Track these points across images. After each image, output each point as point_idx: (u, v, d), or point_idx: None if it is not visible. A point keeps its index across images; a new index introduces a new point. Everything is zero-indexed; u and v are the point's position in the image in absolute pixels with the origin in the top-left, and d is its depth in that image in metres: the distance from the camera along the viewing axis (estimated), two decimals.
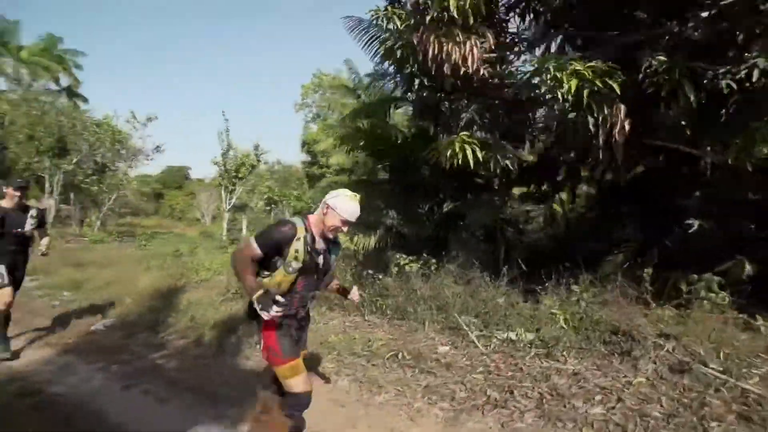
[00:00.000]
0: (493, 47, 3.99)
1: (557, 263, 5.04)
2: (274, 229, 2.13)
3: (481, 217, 5.75)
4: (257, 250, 2.04)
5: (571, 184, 7.68)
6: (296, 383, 2.12)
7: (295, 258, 2.04)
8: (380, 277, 5.25)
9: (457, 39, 3.53)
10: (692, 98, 3.26)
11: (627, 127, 3.58)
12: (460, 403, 3.09)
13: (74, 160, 13.20)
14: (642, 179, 6.68)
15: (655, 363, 3.45)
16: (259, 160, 16.90)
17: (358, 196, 2.17)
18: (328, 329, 4.79)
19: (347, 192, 2.16)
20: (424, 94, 5.70)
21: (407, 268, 5.22)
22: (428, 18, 3.66)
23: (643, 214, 5.94)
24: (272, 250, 2.07)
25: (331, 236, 2.20)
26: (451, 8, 3.36)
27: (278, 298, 1.95)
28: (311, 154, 21.46)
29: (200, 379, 3.69)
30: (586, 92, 3.23)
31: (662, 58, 3.26)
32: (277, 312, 1.91)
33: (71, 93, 23.73)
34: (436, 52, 3.56)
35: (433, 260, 5.32)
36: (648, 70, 3.35)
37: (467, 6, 3.39)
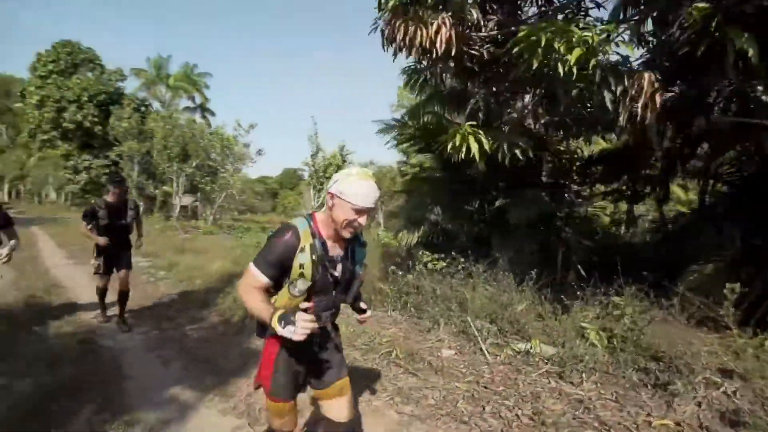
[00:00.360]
0: (497, 25, 3.49)
1: (633, 270, 4.22)
2: (272, 241, 1.59)
3: (522, 213, 5.12)
4: (261, 278, 1.57)
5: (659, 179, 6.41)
6: (276, 423, 1.79)
7: (301, 275, 1.54)
8: (402, 273, 5.06)
9: (423, 20, 3.18)
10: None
11: (658, 100, 2.80)
12: (423, 408, 2.80)
13: (194, 164, 15.89)
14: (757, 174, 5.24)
15: (699, 405, 2.64)
16: (344, 161, 17.80)
17: (370, 171, 1.62)
18: (345, 319, 4.79)
19: (354, 170, 1.59)
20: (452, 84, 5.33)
21: (430, 266, 4.93)
22: (391, 3, 3.37)
23: (747, 217, 4.63)
24: (278, 271, 1.58)
25: (348, 235, 1.60)
26: None
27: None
28: (405, 154, 21.95)
29: (212, 352, 4.04)
30: (592, 63, 2.62)
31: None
32: (304, 327, 1.40)
33: (203, 108, 28.46)
34: (400, 37, 3.27)
35: (462, 260, 4.92)
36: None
37: None
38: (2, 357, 3.58)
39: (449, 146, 3.60)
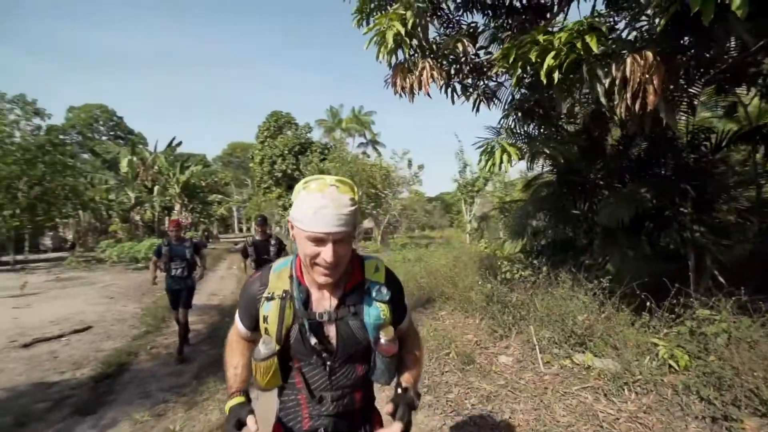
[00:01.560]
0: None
1: None
2: (245, 282, 1.30)
3: (610, 214, 4.63)
4: (239, 327, 1.29)
5: None
6: None
7: (266, 331, 1.18)
8: (482, 283, 5.28)
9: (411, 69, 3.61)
10: None
11: (656, 82, 2.42)
12: (438, 399, 3.22)
13: (360, 193, 18.97)
14: None
15: None
16: (490, 173, 17.86)
17: (333, 179, 1.10)
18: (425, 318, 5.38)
19: (311, 179, 1.11)
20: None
21: (508, 275, 5.01)
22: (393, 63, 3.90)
23: None
24: (252, 321, 1.24)
25: (322, 280, 1.12)
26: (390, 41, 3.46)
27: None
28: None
29: None
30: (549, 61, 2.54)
31: None
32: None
33: (374, 142, 32.86)
34: (399, 85, 3.78)
35: (544, 268, 4.82)
36: None
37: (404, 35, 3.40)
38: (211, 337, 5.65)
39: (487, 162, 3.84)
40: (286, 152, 29.14)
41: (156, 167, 26.28)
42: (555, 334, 3.94)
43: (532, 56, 2.75)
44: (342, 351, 1.19)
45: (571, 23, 2.72)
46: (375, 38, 3.61)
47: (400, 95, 3.89)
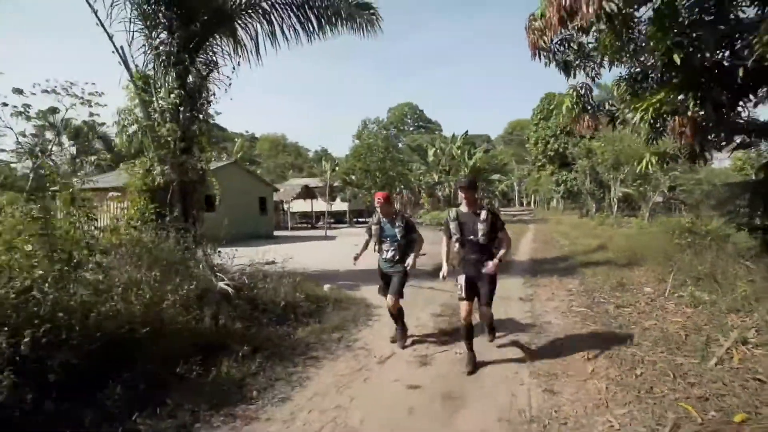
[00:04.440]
0: None
1: None
2: None
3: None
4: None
5: None
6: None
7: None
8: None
9: None
10: None
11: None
12: (575, 296, 6.23)
13: (626, 170, 18.91)
14: None
15: None
16: None
17: None
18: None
19: None
20: None
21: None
22: None
23: None
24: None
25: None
26: None
27: None
28: None
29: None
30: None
31: None
32: None
33: None
34: None
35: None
36: None
37: None
38: None
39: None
40: (559, 132, 30.63)
41: (452, 154, 34.09)
42: (688, 278, 5.86)
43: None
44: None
45: None
46: None
47: None
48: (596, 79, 6.55)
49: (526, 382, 3.44)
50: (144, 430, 2.61)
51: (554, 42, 6.13)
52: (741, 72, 4.08)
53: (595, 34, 5.88)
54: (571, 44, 6.16)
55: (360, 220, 33.93)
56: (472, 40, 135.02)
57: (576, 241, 13.94)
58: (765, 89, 4.92)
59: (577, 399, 3.10)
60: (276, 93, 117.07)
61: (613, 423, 2.72)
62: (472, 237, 3.68)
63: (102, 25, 6.58)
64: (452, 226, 3.80)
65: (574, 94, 6.39)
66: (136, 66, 6.99)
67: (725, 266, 5.85)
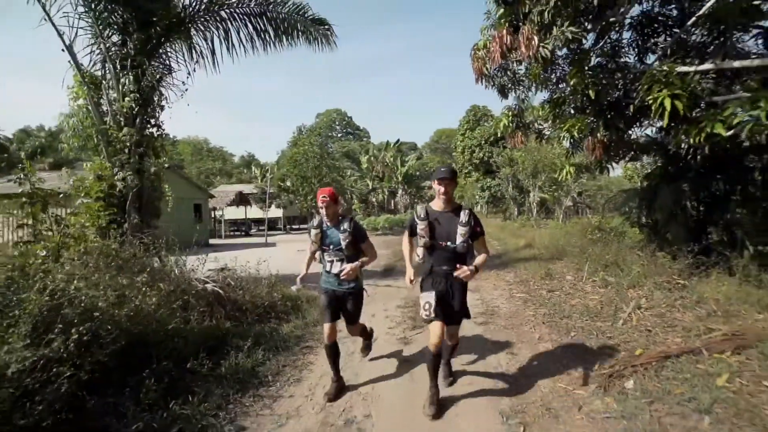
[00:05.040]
0: None
1: None
2: None
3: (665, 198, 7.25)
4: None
5: None
6: None
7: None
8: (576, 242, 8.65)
9: None
10: None
11: None
12: (510, 283, 7.39)
13: (543, 178, 21.65)
14: None
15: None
16: None
17: None
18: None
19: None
20: None
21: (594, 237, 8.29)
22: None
23: None
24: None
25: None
26: None
27: None
28: None
29: None
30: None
31: None
32: None
33: None
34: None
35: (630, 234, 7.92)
36: None
37: None
38: None
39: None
40: (483, 142, 33.53)
41: (384, 162, 35.45)
42: (598, 266, 7.29)
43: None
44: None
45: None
46: None
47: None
48: (525, 101, 7.82)
49: (490, 348, 4.27)
50: (187, 413, 2.88)
51: (493, 69, 7.24)
52: (632, 108, 5.51)
53: (525, 64, 7.10)
54: (507, 71, 7.32)
55: (295, 227, 33.62)
56: (400, 50, 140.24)
57: (505, 241, 15.69)
58: (646, 121, 6.56)
59: (534, 358, 4.00)
60: (194, 98, 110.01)
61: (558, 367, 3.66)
62: (447, 243, 3.00)
63: (50, 20, 6.28)
64: (420, 227, 3.03)
65: (510, 114, 7.57)
66: (80, 66, 6.72)
67: (624, 255, 7.37)
